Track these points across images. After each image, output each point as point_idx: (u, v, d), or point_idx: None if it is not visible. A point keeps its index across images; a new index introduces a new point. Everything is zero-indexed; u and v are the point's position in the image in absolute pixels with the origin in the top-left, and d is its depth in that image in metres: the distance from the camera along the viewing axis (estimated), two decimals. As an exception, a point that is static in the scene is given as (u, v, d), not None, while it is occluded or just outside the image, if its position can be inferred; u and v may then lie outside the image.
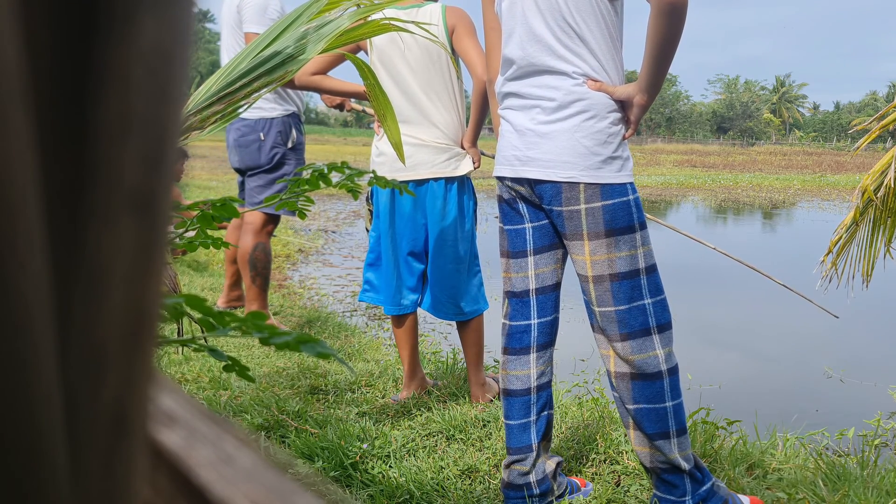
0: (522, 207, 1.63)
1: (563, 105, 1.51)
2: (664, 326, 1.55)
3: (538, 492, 1.64)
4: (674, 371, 1.55)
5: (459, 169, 2.22)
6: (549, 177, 1.52)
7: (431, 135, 2.19)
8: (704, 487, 1.57)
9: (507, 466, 1.66)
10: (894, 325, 4.73)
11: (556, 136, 1.51)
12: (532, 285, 1.65)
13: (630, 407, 1.55)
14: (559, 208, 1.54)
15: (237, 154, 3.18)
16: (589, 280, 1.55)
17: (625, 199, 1.51)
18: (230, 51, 3.15)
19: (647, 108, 1.53)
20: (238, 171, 3.28)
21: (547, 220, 1.62)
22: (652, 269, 1.54)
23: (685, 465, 1.54)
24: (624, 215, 1.51)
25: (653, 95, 1.50)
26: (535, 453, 1.64)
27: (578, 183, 1.50)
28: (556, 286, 1.67)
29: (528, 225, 1.63)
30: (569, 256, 1.63)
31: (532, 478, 1.64)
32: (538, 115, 1.54)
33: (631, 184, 1.54)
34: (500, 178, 1.65)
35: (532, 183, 1.57)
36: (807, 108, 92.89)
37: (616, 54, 1.53)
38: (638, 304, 1.52)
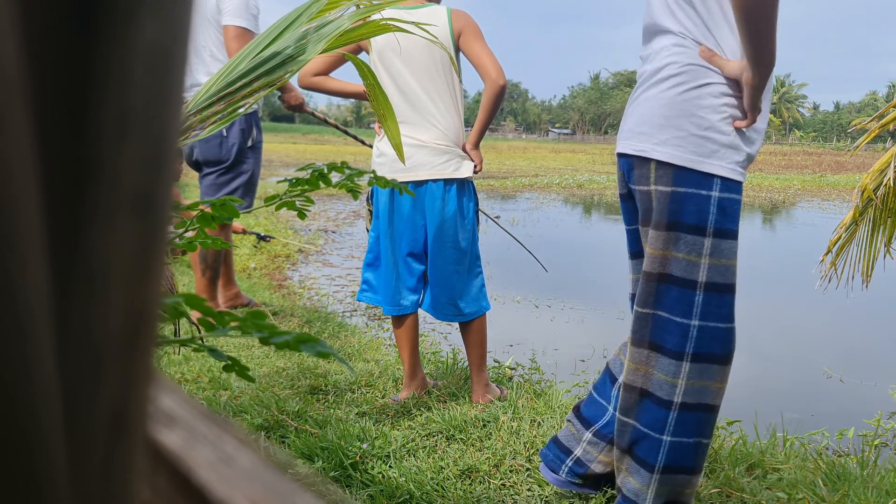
0: (628, 205, 1.47)
1: (658, 69, 1.30)
2: (703, 357, 1.31)
3: (571, 466, 1.56)
4: (693, 408, 1.32)
5: (459, 171, 2.21)
6: (624, 149, 1.35)
7: (431, 136, 2.19)
8: None
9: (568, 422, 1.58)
10: (894, 325, 4.73)
11: (641, 103, 1.33)
12: (630, 290, 1.52)
13: (627, 419, 1.41)
14: (634, 186, 1.35)
15: (197, 147, 3.23)
16: (642, 276, 1.36)
17: (704, 192, 1.25)
18: (206, 47, 3.15)
19: (760, 91, 1.23)
20: (195, 165, 3.31)
21: (636, 225, 1.44)
22: (714, 288, 1.29)
23: None
24: (695, 210, 1.26)
25: (761, 74, 1.20)
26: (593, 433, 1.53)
27: (649, 159, 1.29)
28: None
29: (627, 227, 1.51)
30: None
31: (578, 451, 1.54)
32: (640, 82, 1.37)
33: (723, 179, 1.26)
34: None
35: (619, 160, 1.39)
36: (807, 108, 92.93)
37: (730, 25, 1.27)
38: (680, 322, 1.30)
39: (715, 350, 1.31)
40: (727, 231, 1.27)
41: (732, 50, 1.26)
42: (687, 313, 1.29)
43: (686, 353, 1.30)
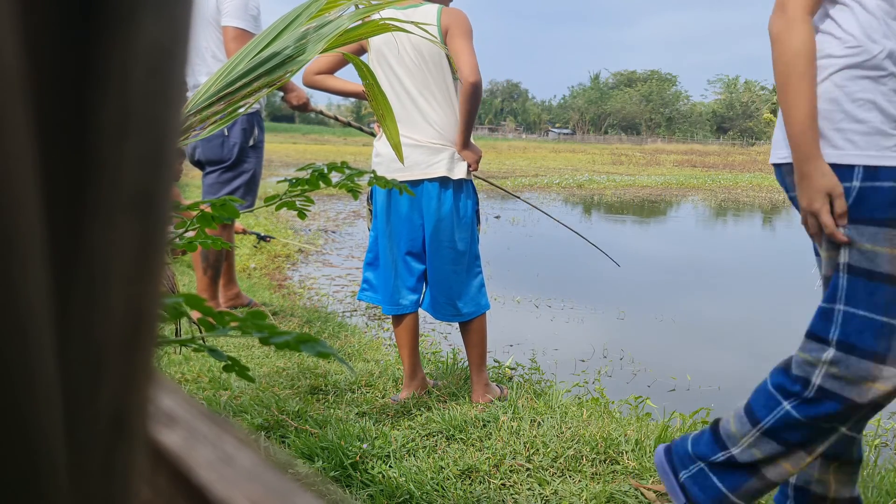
0: None
1: None
2: (848, 347, 1.26)
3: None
4: (827, 394, 1.28)
5: (456, 170, 2.21)
6: (771, 159, 1.40)
7: (426, 135, 2.19)
8: (721, 487, 1.38)
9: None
10: (894, 324, 4.72)
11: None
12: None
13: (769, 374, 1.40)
14: (789, 193, 1.37)
15: (199, 146, 3.23)
16: None
17: (845, 184, 1.25)
18: (207, 48, 3.14)
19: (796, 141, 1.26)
20: (198, 164, 3.32)
21: None
22: (853, 271, 1.26)
23: (739, 455, 1.36)
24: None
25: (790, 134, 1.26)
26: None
27: (780, 164, 1.34)
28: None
29: None
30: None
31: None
32: None
33: (865, 167, 1.23)
34: None
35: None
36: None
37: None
38: (825, 305, 1.30)
39: (863, 342, 1.25)
40: (868, 219, 1.24)
41: (850, 29, 1.25)
42: (832, 298, 1.28)
43: (830, 339, 1.28)
